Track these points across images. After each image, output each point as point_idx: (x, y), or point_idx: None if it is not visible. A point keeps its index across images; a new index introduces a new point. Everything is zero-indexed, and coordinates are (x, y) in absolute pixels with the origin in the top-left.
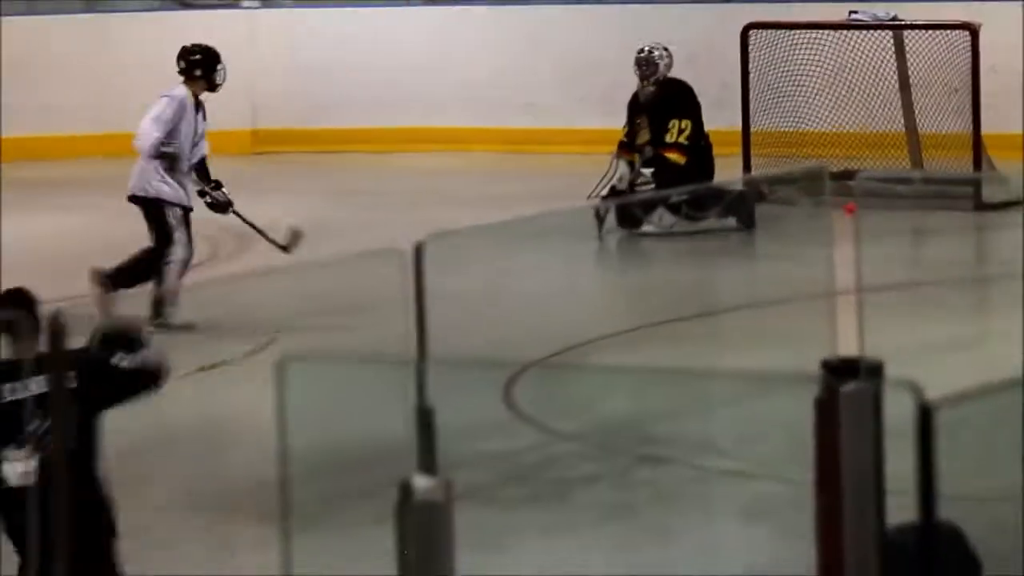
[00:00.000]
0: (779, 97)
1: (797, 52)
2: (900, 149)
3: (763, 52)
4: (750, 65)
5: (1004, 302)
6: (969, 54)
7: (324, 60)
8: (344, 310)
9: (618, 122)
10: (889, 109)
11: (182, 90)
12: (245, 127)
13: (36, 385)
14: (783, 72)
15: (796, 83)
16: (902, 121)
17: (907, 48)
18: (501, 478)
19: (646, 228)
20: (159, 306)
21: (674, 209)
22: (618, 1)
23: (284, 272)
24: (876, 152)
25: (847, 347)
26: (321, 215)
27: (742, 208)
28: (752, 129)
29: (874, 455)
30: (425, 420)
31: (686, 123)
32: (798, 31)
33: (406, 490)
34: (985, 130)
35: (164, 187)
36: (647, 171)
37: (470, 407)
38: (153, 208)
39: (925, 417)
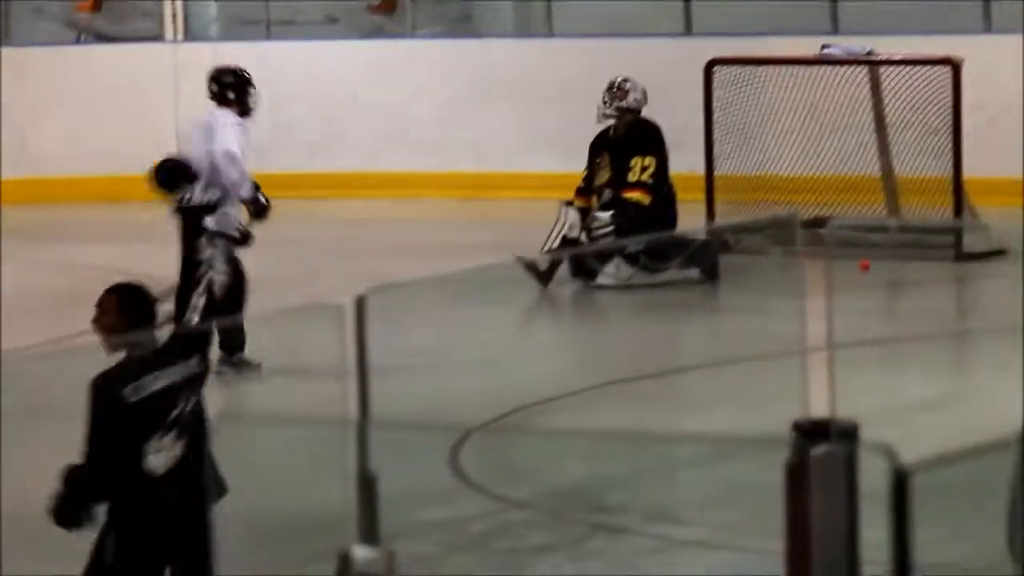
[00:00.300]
0: (745, 138)
1: (765, 90)
2: (876, 195)
3: (728, 90)
4: (714, 104)
5: (985, 358)
6: (950, 91)
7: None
8: (279, 369)
9: (571, 164)
10: (864, 151)
11: (229, 113)
12: None
13: (162, 378)
14: (750, 112)
15: (764, 123)
16: (878, 164)
17: (884, 85)
18: (447, 548)
19: (602, 280)
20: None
21: (632, 260)
22: (570, 34)
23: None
24: (850, 198)
25: (819, 407)
26: (252, 267)
27: (705, 259)
28: (716, 173)
29: (848, 523)
30: (367, 486)
31: (650, 160)
32: (766, 67)
33: (345, 561)
34: (967, 174)
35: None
36: (604, 215)
37: (414, 472)
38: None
39: (900, 482)
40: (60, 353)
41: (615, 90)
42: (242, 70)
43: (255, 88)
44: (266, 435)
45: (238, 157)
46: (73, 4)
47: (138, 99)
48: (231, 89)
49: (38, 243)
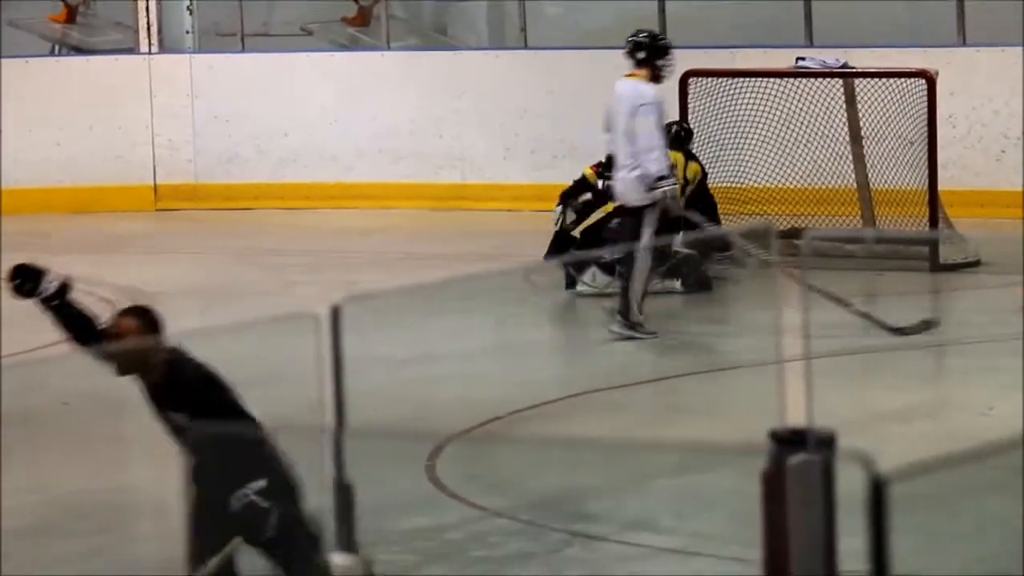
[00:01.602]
0: (721, 150)
1: (740, 102)
2: (851, 206)
3: (703, 101)
4: (690, 116)
5: (961, 369)
6: (925, 104)
7: (230, 110)
8: (256, 378)
9: (547, 175)
10: (839, 163)
11: (637, 85)
12: (146, 182)
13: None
14: (725, 124)
15: (739, 135)
16: (853, 176)
17: (859, 97)
18: (425, 556)
19: (580, 288)
20: (625, 308)
21: (607, 269)
22: (544, 47)
23: (190, 337)
24: (825, 209)
25: (795, 416)
26: (228, 276)
27: (688, 271)
28: None
29: (825, 531)
30: (344, 494)
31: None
32: (741, 79)
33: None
34: (942, 186)
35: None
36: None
37: (391, 481)
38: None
39: (877, 491)
40: (35, 363)
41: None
42: (658, 35)
43: (671, 55)
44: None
45: (664, 149)
46: (48, 15)
47: (113, 110)
48: (644, 50)
49: (11, 253)
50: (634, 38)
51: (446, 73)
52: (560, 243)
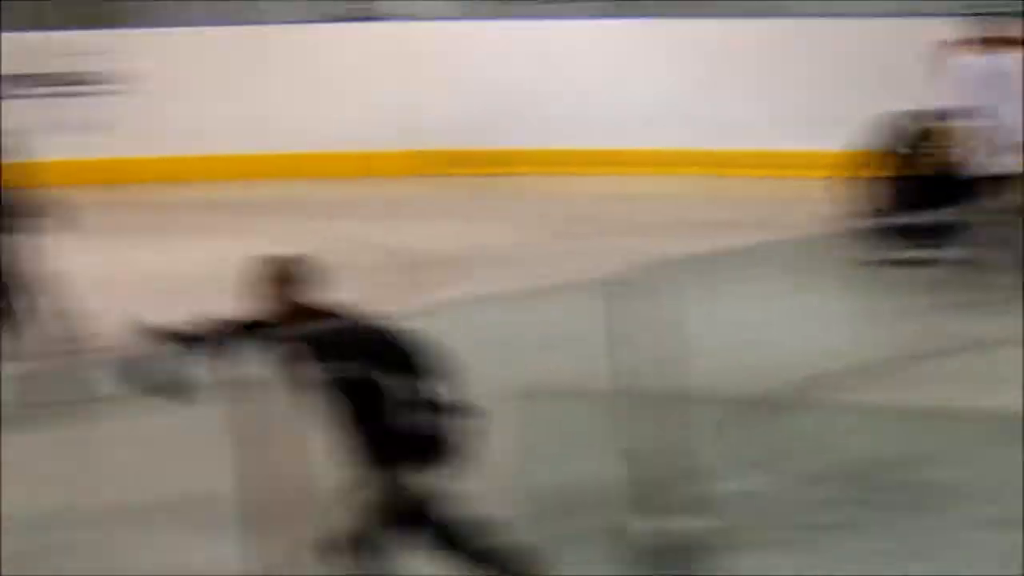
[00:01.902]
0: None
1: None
2: None
3: None
4: None
5: None
6: None
7: (495, 77)
8: (544, 344)
9: (818, 144)
10: None
11: (1005, 57)
12: (412, 147)
13: None
14: None
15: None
16: None
17: None
18: (740, 523)
19: (876, 256)
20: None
21: (914, 236)
22: (818, 14)
23: (477, 305)
24: None
25: None
26: (505, 242)
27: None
28: None
29: None
30: (638, 460)
31: None
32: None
33: (633, 534)
34: None
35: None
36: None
37: (695, 447)
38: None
39: None
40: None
41: None
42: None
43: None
44: (534, 409)
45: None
46: None
47: (380, 78)
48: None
49: (289, 217)
50: (1006, 10)
51: (715, 40)
52: (879, 211)
